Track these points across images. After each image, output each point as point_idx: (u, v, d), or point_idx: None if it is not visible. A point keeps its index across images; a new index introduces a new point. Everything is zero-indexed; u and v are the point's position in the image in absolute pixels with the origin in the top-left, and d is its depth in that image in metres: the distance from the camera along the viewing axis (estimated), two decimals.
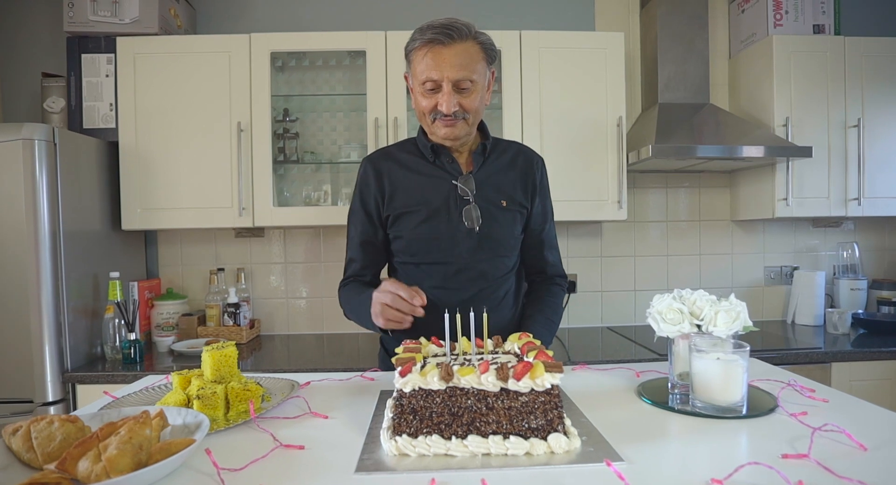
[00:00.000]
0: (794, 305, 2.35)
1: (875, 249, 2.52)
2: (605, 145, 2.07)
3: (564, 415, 0.76)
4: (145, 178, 2.01)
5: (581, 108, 2.07)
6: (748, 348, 0.86)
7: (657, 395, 0.97)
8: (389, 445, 0.74)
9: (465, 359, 0.85)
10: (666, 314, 0.95)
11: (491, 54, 1.18)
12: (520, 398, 0.74)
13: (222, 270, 2.24)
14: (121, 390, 1.06)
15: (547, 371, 0.74)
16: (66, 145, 1.79)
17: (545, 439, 0.73)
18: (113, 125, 2.06)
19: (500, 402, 0.74)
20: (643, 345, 2.02)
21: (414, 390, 0.74)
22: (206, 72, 2.01)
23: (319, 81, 2.31)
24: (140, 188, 2.01)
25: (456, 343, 0.92)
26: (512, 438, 0.73)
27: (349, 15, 2.35)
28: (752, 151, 1.96)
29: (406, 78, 1.24)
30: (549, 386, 0.74)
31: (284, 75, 2.30)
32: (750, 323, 0.93)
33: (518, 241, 1.30)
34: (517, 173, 1.28)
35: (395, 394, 0.77)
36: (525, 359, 0.80)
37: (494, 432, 0.74)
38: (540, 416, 0.74)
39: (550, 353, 0.81)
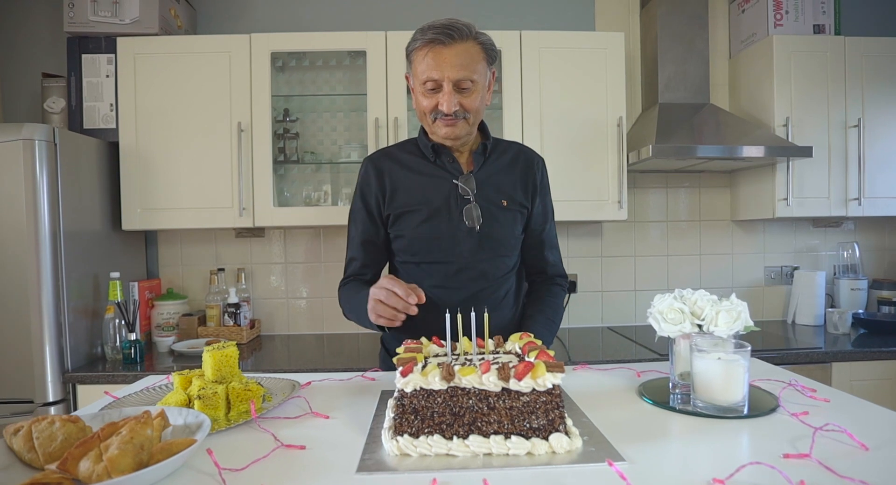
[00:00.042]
0: (794, 305, 2.35)
1: (875, 249, 2.52)
2: (605, 145, 2.07)
3: (566, 415, 0.76)
4: (145, 178, 2.01)
5: (581, 108, 2.07)
6: (749, 348, 0.86)
7: (658, 395, 0.97)
8: (391, 445, 0.74)
9: (466, 359, 0.85)
10: (667, 314, 0.95)
11: (491, 54, 1.18)
12: (521, 398, 0.74)
13: (222, 270, 2.24)
14: (121, 391, 1.06)
15: (548, 371, 0.74)
16: (67, 145, 1.79)
17: (547, 438, 0.73)
18: (113, 125, 2.06)
19: (501, 402, 0.74)
20: (644, 345, 2.02)
21: (415, 389, 0.74)
22: (207, 72, 2.01)
23: (320, 81, 2.31)
24: (140, 188, 2.01)
25: (457, 343, 0.92)
26: (513, 438, 0.73)
27: (349, 15, 2.35)
28: (753, 151, 1.96)
29: (407, 78, 1.24)
30: (550, 386, 0.74)
31: (285, 75, 2.30)
32: (751, 323, 0.93)
33: (518, 240, 1.30)
34: (518, 173, 1.28)
35: (396, 394, 0.77)
36: (526, 359, 0.80)
37: (496, 432, 0.74)
38: (541, 416, 0.74)
39: (552, 353, 0.81)
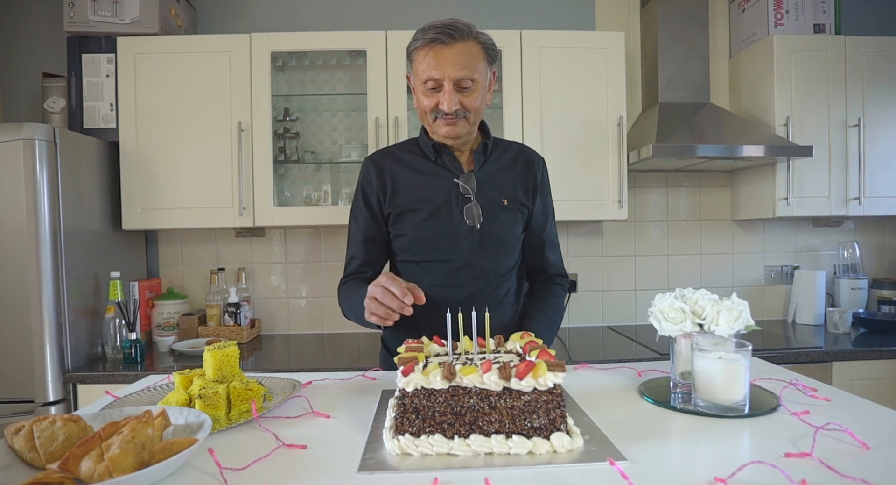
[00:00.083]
0: (794, 305, 2.35)
1: (875, 249, 2.52)
2: (605, 145, 2.07)
3: (567, 414, 0.76)
4: (146, 178, 2.01)
5: (581, 107, 2.07)
6: (750, 347, 0.86)
7: (659, 394, 0.97)
8: (392, 444, 0.74)
9: (467, 358, 0.85)
10: (668, 313, 0.95)
11: (492, 54, 1.18)
12: (522, 397, 0.74)
13: (223, 269, 2.24)
14: (122, 390, 1.05)
15: (549, 370, 0.74)
16: (67, 145, 1.79)
17: (548, 438, 0.73)
18: (113, 125, 2.06)
19: (502, 401, 0.74)
20: (644, 344, 2.02)
21: (416, 389, 0.74)
22: (207, 72, 2.01)
23: (320, 81, 2.31)
24: (140, 188, 2.01)
25: (458, 342, 0.92)
26: (514, 437, 0.73)
27: (349, 15, 2.35)
28: (753, 151, 1.96)
29: (408, 78, 1.25)
30: (551, 385, 0.74)
31: (285, 75, 2.29)
32: (752, 322, 0.93)
33: (519, 240, 1.30)
34: (518, 173, 1.28)
35: (397, 393, 0.77)
36: (527, 358, 0.80)
37: (497, 432, 0.74)
38: (542, 415, 0.74)
39: (553, 352, 0.81)
